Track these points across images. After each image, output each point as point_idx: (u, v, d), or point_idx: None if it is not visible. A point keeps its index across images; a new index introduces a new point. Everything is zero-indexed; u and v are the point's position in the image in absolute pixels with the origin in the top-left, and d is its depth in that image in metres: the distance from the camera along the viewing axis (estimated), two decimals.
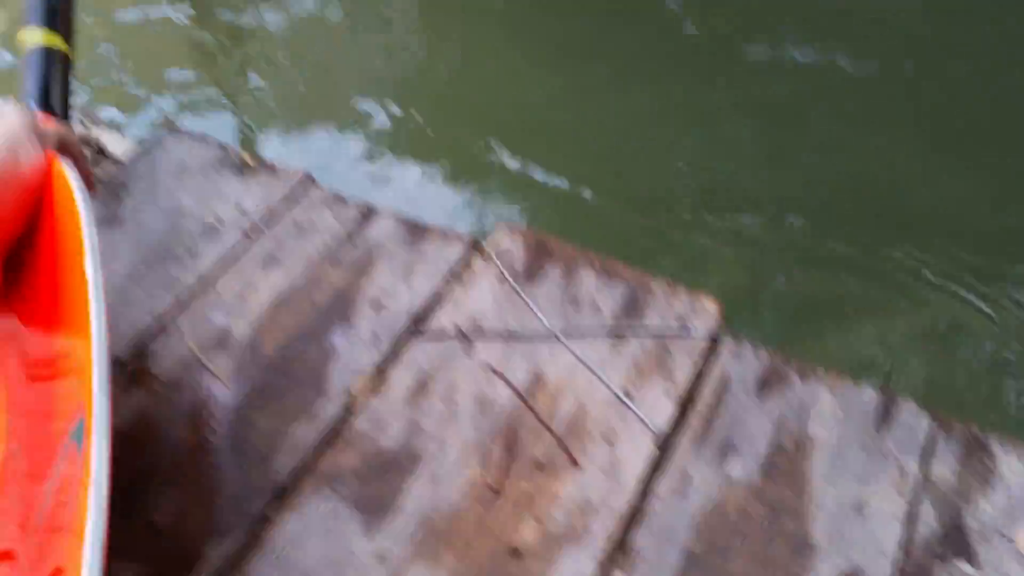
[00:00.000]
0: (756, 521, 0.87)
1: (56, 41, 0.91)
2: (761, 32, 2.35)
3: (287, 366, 1.00)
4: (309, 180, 1.24)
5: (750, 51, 2.31)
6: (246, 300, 1.07)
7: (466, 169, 2.00)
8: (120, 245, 1.13)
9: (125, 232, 1.15)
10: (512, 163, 2.00)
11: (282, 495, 0.88)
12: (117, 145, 1.34)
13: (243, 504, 0.87)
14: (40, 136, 0.72)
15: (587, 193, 1.96)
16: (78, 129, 1.36)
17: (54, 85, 0.90)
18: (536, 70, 2.24)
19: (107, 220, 1.17)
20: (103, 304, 0.64)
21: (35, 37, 0.90)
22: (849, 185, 2.01)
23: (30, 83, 0.89)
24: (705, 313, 1.05)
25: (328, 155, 2.10)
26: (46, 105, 0.88)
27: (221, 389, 0.98)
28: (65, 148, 0.75)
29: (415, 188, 1.97)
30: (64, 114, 0.91)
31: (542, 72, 2.23)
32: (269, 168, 1.26)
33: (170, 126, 1.34)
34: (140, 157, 1.26)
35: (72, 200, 0.71)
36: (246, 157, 1.28)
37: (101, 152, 1.31)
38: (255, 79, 2.32)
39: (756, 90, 2.20)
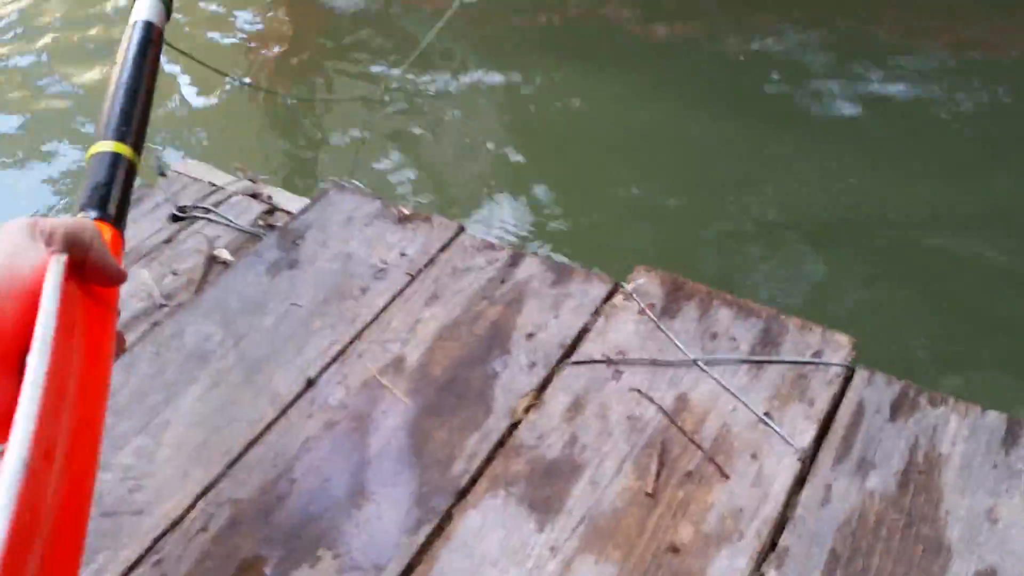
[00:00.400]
0: (894, 526, 0.94)
1: (124, 150, 0.91)
2: None
3: (456, 387, 1.12)
4: (461, 229, 1.38)
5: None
6: (415, 331, 1.20)
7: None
8: (301, 285, 1.28)
9: (304, 273, 1.30)
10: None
11: (462, 495, 1.00)
12: (286, 200, 1.51)
13: (429, 501, 0.99)
14: (47, 237, 0.67)
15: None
16: (246, 185, 1.53)
17: (114, 189, 0.87)
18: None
19: (287, 264, 1.32)
20: (36, 405, 0.57)
21: (104, 146, 0.90)
22: None
23: (88, 184, 0.87)
24: (838, 346, 1.14)
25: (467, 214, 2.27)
26: (102, 209, 0.85)
27: (400, 405, 1.10)
28: (76, 246, 0.69)
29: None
30: (119, 219, 0.88)
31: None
32: (425, 219, 1.40)
33: (335, 183, 1.50)
34: (311, 210, 1.42)
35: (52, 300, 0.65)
36: (403, 209, 1.43)
37: (272, 207, 1.47)
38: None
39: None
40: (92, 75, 2.79)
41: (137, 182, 1.64)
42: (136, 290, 1.29)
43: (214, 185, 1.53)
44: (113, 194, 0.86)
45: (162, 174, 1.58)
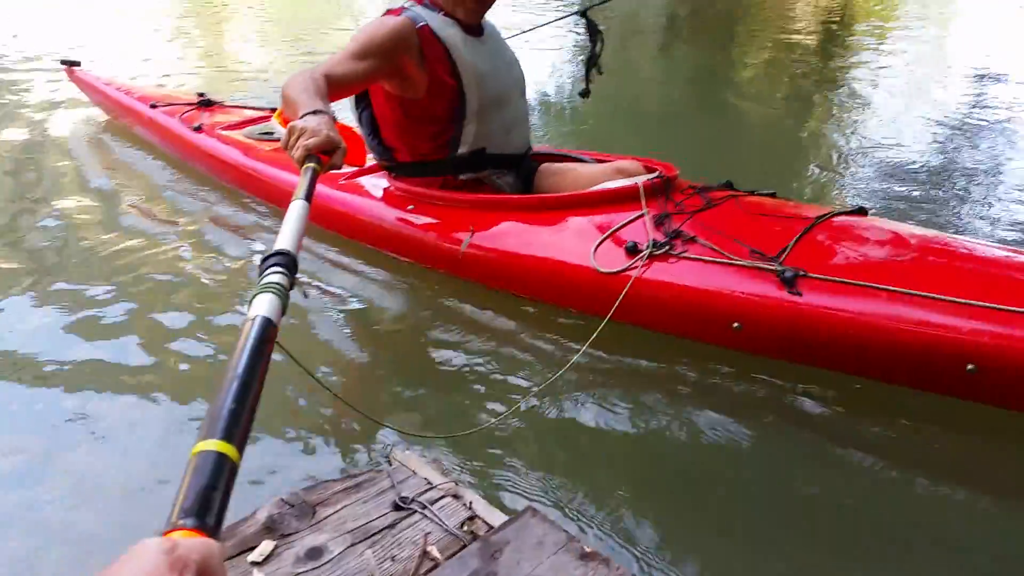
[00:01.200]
0: None
1: (229, 449, 0.90)
2: None
3: None
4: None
5: None
6: None
7: None
8: None
9: None
10: None
11: None
12: (482, 508, 1.76)
13: None
14: (182, 566, 0.67)
15: None
16: (451, 486, 1.80)
17: (215, 495, 0.86)
18: None
19: (486, 574, 1.55)
20: None
21: (208, 445, 0.90)
22: None
23: (190, 489, 0.85)
24: None
25: None
26: (202, 517, 0.84)
27: None
28: (207, 572, 0.70)
29: None
30: (217, 525, 0.86)
31: None
32: (604, 560, 1.62)
33: (531, 509, 1.75)
34: (509, 528, 1.67)
35: None
36: (584, 546, 1.66)
37: (473, 513, 1.73)
38: None
39: None
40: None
41: (366, 467, 1.94)
42: (360, 569, 1.55)
43: (428, 482, 1.80)
44: (215, 500, 0.85)
45: (387, 460, 1.88)
